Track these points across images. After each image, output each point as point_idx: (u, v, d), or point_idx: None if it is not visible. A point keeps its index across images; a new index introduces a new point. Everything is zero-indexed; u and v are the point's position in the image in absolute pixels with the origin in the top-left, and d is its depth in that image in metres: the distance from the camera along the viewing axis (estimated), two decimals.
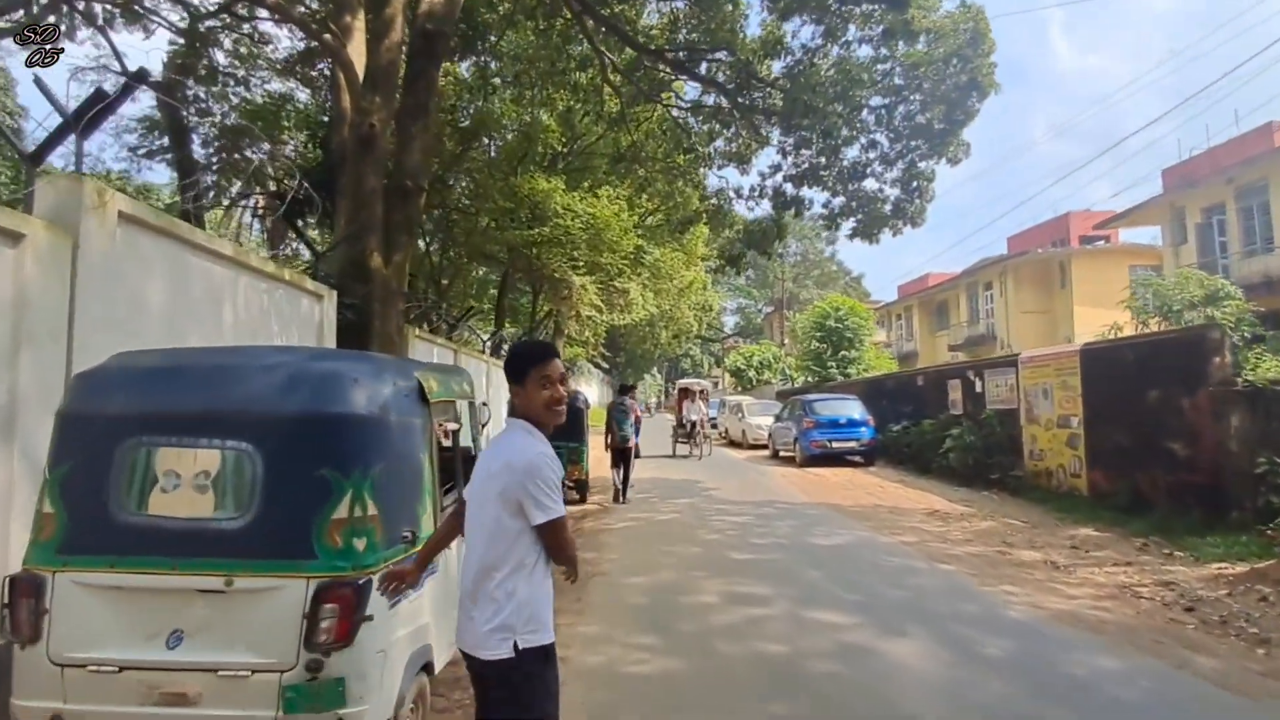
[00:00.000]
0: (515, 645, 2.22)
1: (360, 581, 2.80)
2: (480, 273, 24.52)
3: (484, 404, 5.35)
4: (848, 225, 13.62)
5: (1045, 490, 12.06)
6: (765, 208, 14.58)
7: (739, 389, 41.45)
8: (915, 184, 12.19)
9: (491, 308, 23.36)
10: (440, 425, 3.95)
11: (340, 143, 10.06)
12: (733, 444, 25.85)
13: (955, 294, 36.77)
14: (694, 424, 20.13)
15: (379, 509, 2.96)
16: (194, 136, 15.46)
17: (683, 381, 23.92)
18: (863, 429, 17.24)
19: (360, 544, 2.86)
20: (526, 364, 2.38)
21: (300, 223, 13.33)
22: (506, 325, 26.56)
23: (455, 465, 4.21)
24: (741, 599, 6.16)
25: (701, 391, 21.78)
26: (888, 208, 12.90)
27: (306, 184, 9.81)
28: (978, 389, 14.42)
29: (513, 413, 2.43)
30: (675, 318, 29.52)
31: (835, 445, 17.10)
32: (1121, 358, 10.85)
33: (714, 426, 26.66)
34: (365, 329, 9.36)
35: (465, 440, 4.72)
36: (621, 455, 12.52)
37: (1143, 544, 8.27)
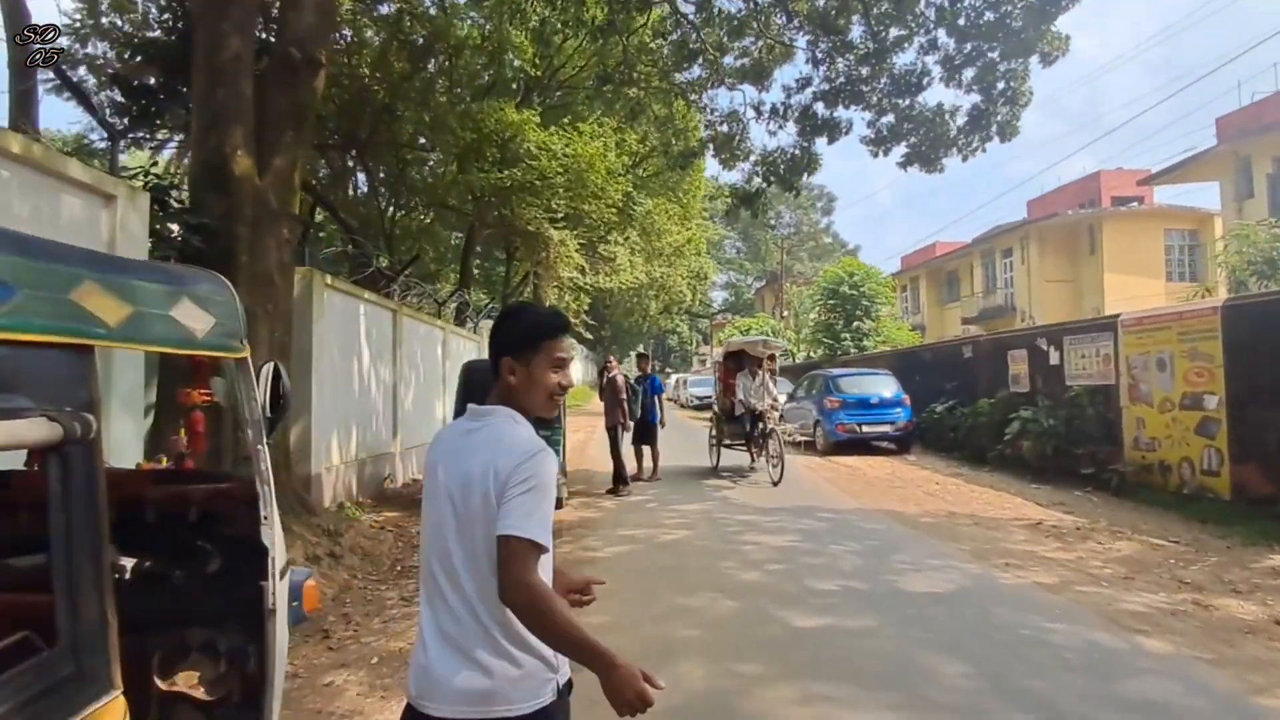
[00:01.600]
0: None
1: None
2: (442, 230, 21.29)
3: (276, 368, 2.32)
4: (899, 150, 10.62)
5: (1160, 490, 9.24)
6: (789, 134, 11.56)
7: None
8: (1003, 84, 9.16)
9: (456, 271, 20.15)
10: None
11: None
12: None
13: (968, 262, 33.95)
14: (757, 415, 11.35)
15: None
16: None
17: (736, 341, 13.66)
18: (897, 410, 14.38)
19: None
20: (539, 335, 1.69)
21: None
22: (475, 292, 23.42)
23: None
24: None
25: (770, 357, 12.73)
26: (958, 121, 9.89)
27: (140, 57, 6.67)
28: (1052, 360, 11.53)
29: (499, 397, 1.70)
30: (667, 286, 26.39)
31: (866, 429, 14.24)
32: None
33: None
34: (225, 261, 6.25)
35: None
36: (647, 432, 11.34)
37: None
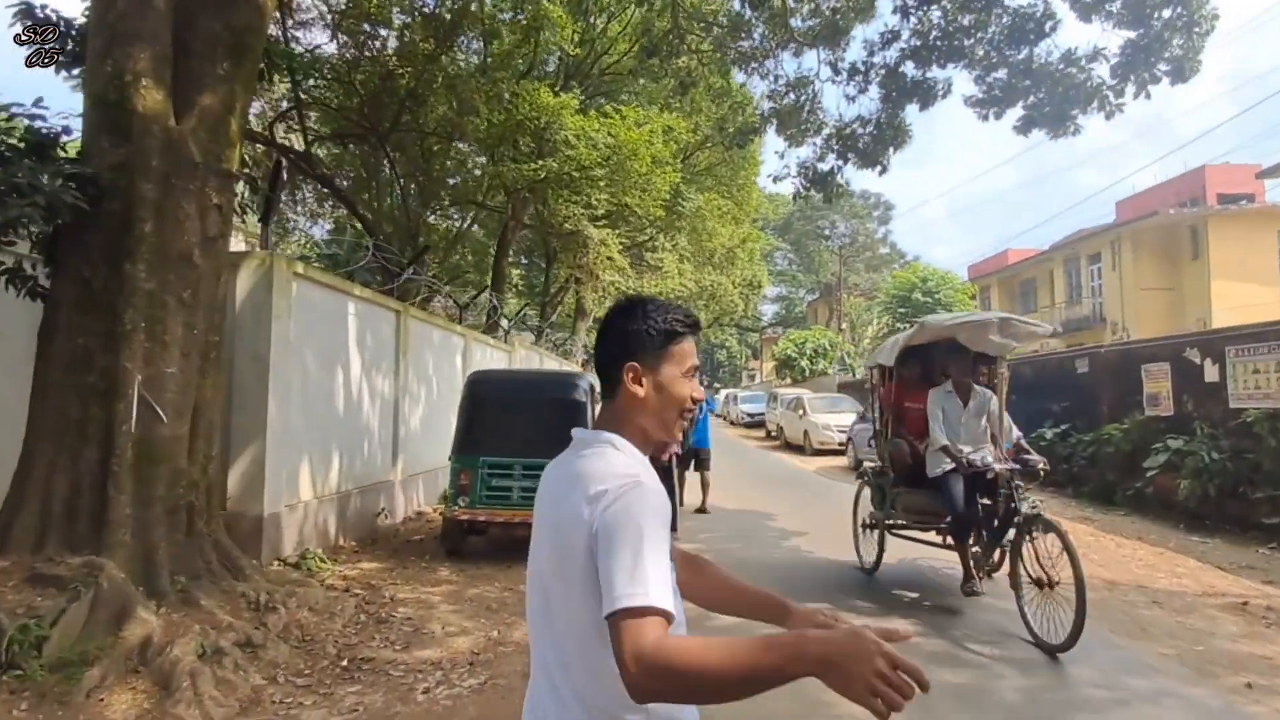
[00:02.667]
0: None
1: None
2: (479, 235, 19.73)
3: None
4: (1014, 112, 8.50)
5: None
6: (872, 99, 9.51)
7: (788, 380, 36.22)
8: (1171, 9, 6.93)
9: (486, 278, 18.52)
10: None
11: None
12: (789, 447, 20.79)
13: (1048, 269, 31.06)
14: (993, 480, 5.39)
15: None
16: None
17: (935, 323, 6.31)
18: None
19: None
20: (670, 334, 1.36)
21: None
22: (510, 297, 21.79)
23: None
24: None
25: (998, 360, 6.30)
26: (1100, 69, 7.71)
27: None
28: (1209, 376, 9.19)
29: (613, 417, 1.36)
30: (717, 295, 24.33)
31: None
32: None
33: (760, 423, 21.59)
34: (120, 230, 4.57)
35: None
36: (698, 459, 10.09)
37: None
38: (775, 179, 10.58)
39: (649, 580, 1.09)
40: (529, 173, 13.86)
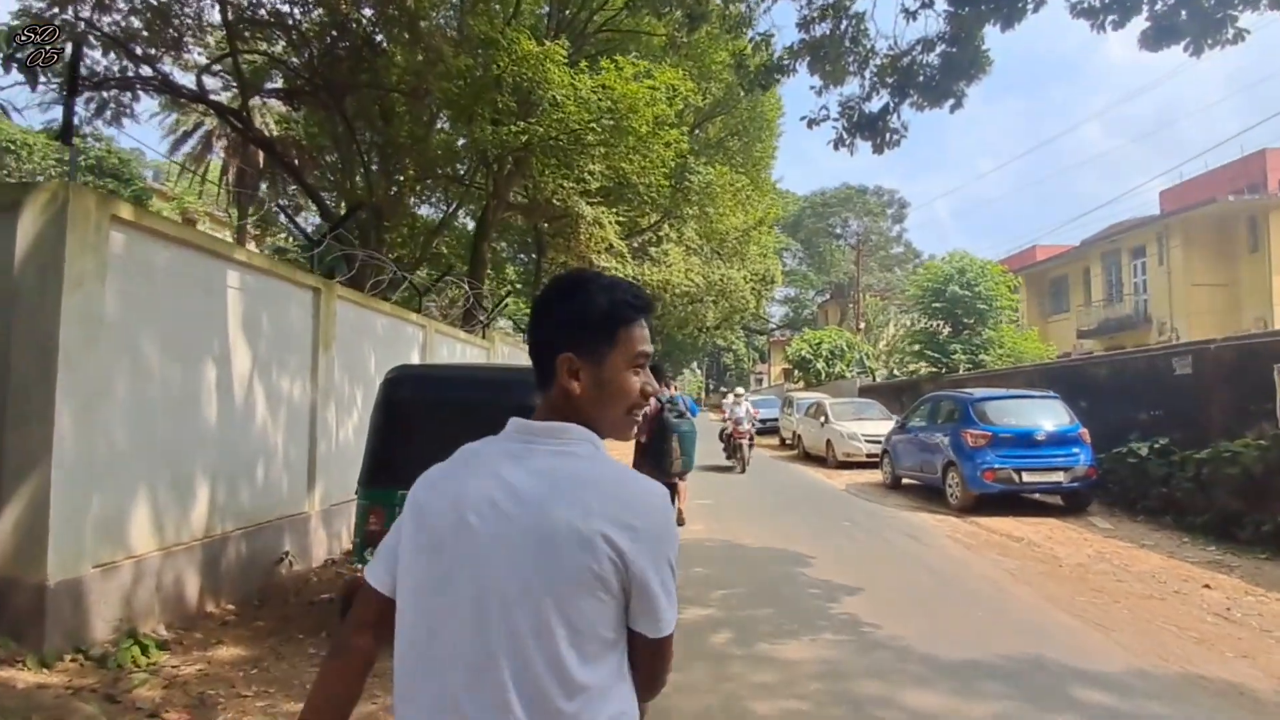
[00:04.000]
0: None
1: None
2: (455, 211, 17.54)
3: None
4: (1137, 21, 6.30)
5: None
6: (938, 16, 7.30)
7: (800, 384, 33.96)
8: None
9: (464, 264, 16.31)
10: None
11: None
12: (809, 458, 18.56)
13: (1082, 266, 28.80)
14: None
15: None
16: None
17: None
18: (1074, 450, 9.86)
19: None
20: (613, 319, 1.15)
21: None
22: (510, 298, 19.62)
23: None
24: None
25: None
26: None
27: None
28: None
29: (551, 413, 1.15)
30: (727, 291, 22.12)
31: (1027, 478, 9.76)
32: None
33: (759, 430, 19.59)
34: None
35: None
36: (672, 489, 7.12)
37: None
38: (810, 122, 8.47)
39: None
40: (510, 137, 11.72)
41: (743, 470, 14.99)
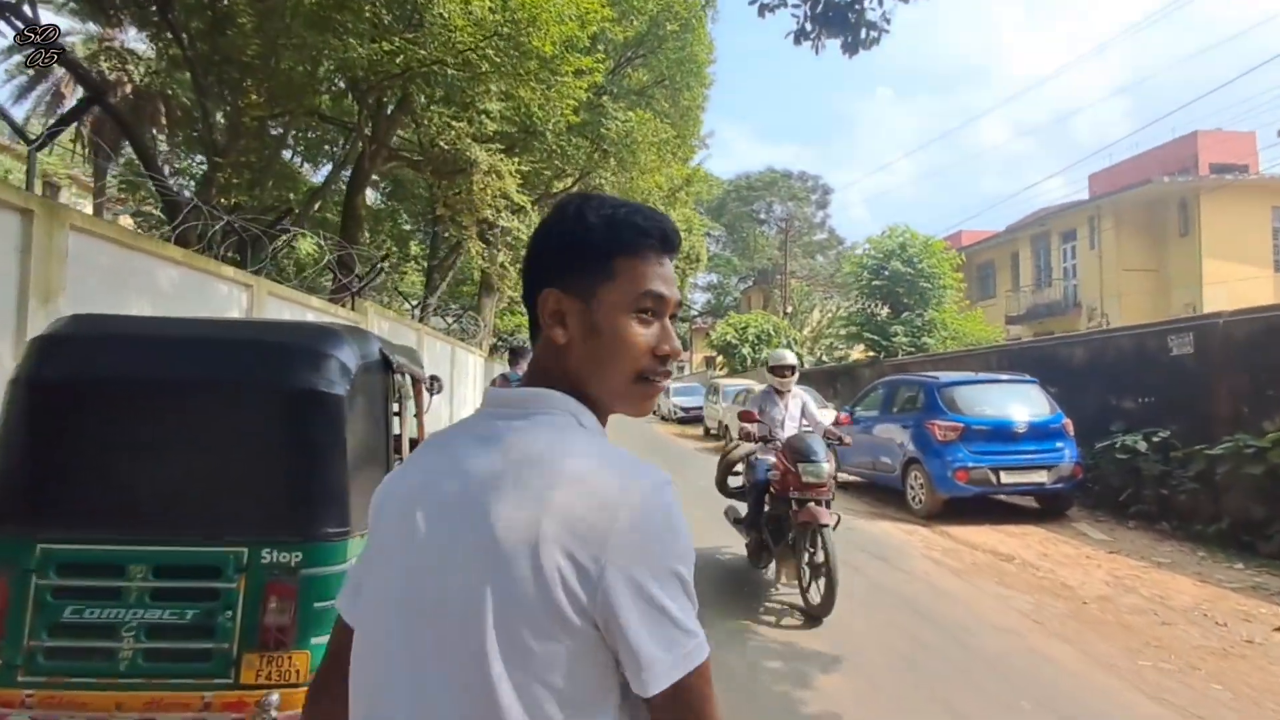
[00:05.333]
0: None
1: None
2: (341, 169, 14.88)
3: None
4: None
5: None
6: None
7: (724, 370, 32.44)
8: None
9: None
10: None
11: None
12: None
13: (1010, 250, 28.24)
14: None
15: None
16: None
17: None
18: (1058, 445, 8.31)
19: None
20: (612, 244, 0.86)
21: None
22: (367, 241, 17.00)
23: None
24: None
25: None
26: None
27: None
28: None
29: (537, 371, 0.88)
30: None
31: (1006, 478, 8.14)
32: None
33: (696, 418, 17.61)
34: None
35: None
36: None
37: None
38: (762, 8, 6.73)
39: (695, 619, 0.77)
40: (383, 59, 9.33)
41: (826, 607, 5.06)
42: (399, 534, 0.81)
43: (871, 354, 17.41)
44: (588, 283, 0.84)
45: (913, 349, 16.49)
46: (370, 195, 28.38)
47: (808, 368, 25.12)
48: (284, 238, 8.62)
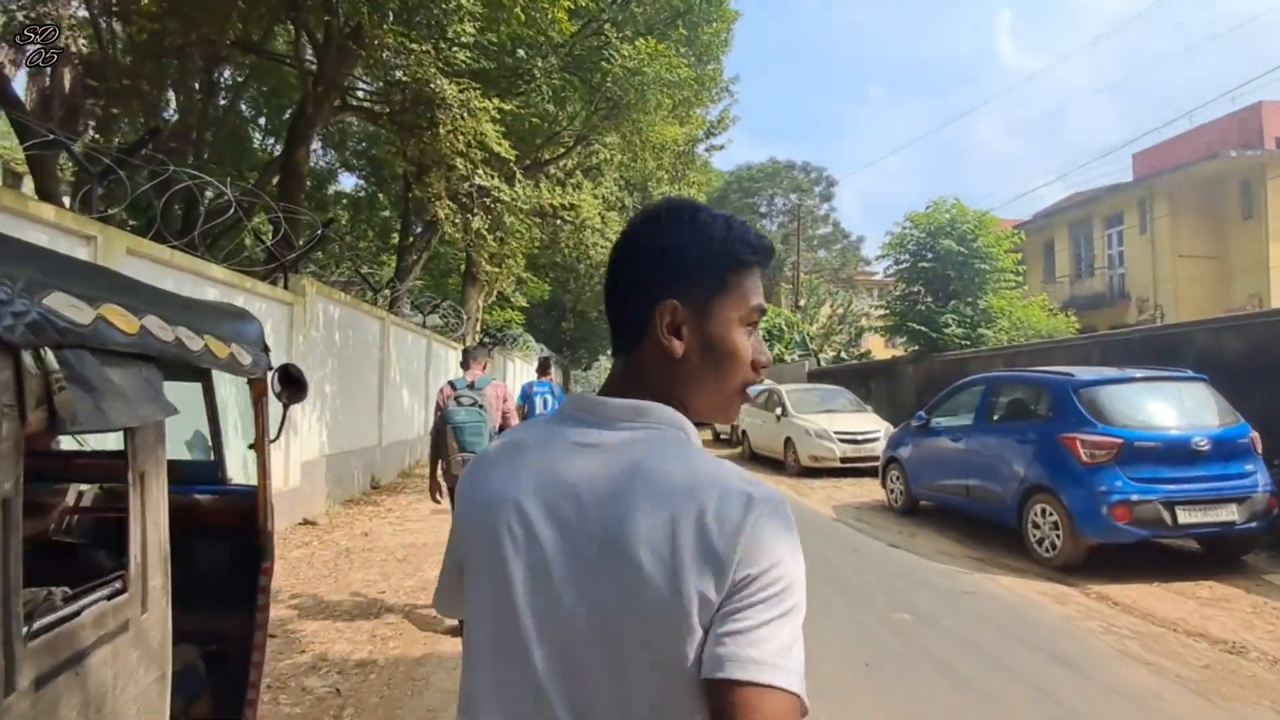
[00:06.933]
0: None
1: None
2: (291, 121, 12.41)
3: None
4: None
5: None
6: None
7: None
8: None
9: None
10: None
11: None
12: (757, 459, 14.44)
13: (1043, 239, 25.87)
14: None
15: None
16: None
17: None
18: (1248, 468, 5.92)
19: None
20: (729, 259, 0.86)
21: None
22: (313, 209, 14.53)
23: None
24: None
25: None
26: None
27: None
28: None
29: (640, 384, 0.86)
30: None
31: (1185, 516, 5.74)
32: None
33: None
34: None
35: None
36: None
37: None
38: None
39: (801, 664, 0.72)
40: None
41: None
42: (486, 541, 0.81)
43: (915, 348, 14.96)
44: (704, 295, 0.83)
45: (967, 341, 14.07)
46: (350, 181, 25.90)
47: (828, 366, 22.78)
48: (160, 177, 6.16)
